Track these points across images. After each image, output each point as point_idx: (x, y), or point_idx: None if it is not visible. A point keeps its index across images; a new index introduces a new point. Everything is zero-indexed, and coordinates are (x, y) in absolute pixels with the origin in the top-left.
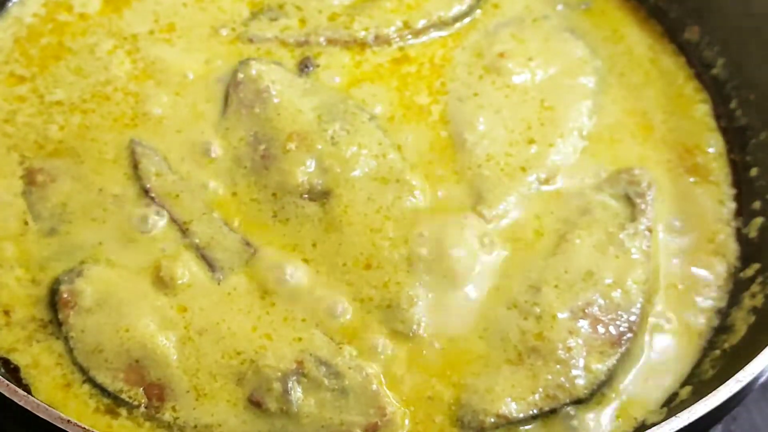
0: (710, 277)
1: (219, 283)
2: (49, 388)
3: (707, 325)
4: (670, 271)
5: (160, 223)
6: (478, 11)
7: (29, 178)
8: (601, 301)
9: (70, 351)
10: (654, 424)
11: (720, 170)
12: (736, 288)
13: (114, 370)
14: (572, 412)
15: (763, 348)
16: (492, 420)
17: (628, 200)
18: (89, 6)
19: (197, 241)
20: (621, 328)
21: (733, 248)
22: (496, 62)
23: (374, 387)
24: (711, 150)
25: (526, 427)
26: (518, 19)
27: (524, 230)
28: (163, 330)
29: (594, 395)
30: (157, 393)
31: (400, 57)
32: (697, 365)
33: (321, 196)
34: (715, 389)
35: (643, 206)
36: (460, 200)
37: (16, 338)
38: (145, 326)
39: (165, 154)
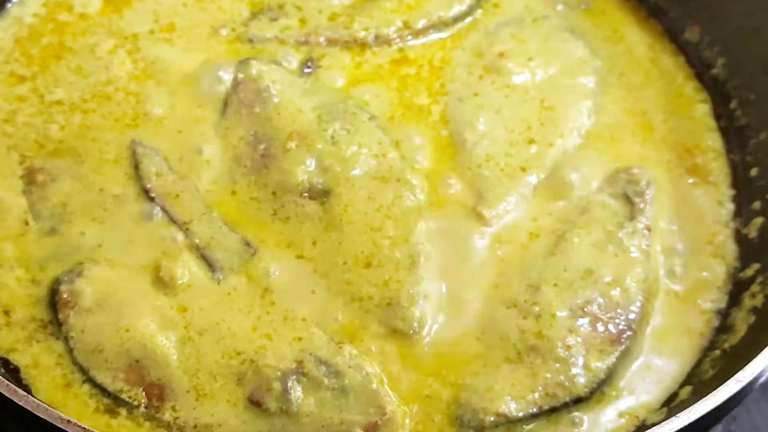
0: (710, 278)
1: (219, 283)
2: (49, 388)
3: (707, 325)
4: (670, 271)
5: (160, 223)
6: (479, 11)
7: (29, 178)
8: (600, 300)
9: (70, 351)
10: (654, 424)
11: (719, 170)
12: (736, 288)
13: (114, 370)
14: (572, 411)
15: (763, 348)
16: (492, 419)
17: (627, 199)
18: (89, 6)
19: (197, 241)
20: (620, 327)
21: (732, 249)
22: (496, 62)
23: (374, 386)
24: (710, 150)
25: (526, 426)
26: (518, 19)
27: (523, 230)
28: (163, 330)
29: (594, 394)
30: (157, 393)
31: (400, 58)
32: (697, 365)
33: (321, 194)
34: (715, 389)
35: (641, 205)
36: (460, 200)
37: (16, 338)
38: (145, 326)
39: (165, 154)
